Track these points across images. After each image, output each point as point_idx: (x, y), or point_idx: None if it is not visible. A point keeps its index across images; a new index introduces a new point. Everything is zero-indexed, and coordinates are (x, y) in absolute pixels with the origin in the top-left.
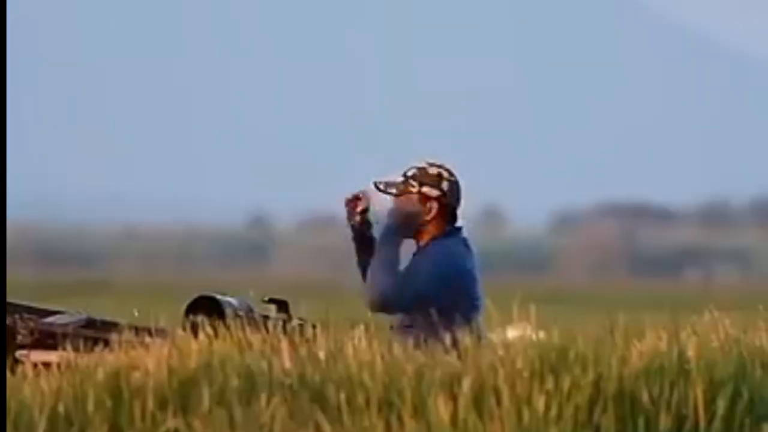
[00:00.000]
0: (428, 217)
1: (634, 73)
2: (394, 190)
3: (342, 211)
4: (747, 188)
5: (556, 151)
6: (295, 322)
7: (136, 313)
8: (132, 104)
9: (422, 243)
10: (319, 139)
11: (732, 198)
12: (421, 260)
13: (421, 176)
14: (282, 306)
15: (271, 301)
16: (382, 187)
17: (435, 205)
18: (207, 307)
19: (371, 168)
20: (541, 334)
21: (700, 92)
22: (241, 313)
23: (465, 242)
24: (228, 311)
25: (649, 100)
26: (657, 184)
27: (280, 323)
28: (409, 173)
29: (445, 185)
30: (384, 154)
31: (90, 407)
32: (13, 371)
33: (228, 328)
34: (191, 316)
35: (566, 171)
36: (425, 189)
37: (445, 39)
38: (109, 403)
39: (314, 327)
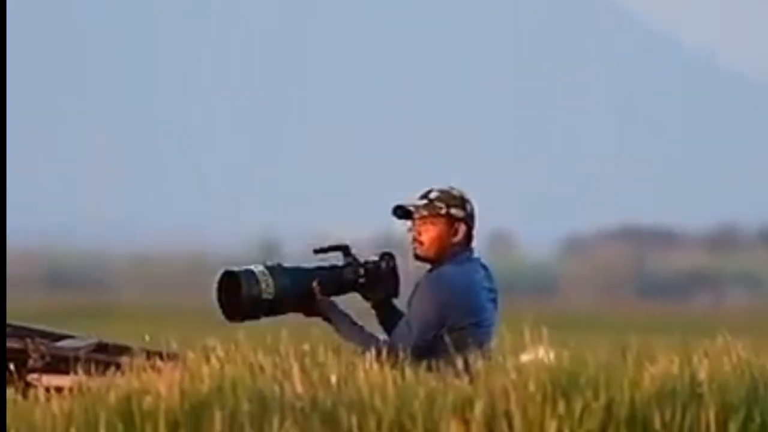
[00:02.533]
0: (455, 240)
1: (641, 97)
2: (424, 212)
3: (350, 236)
4: (756, 211)
5: (563, 174)
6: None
7: (147, 338)
8: (141, 130)
9: (439, 264)
10: (327, 165)
11: (741, 221)
12: (424, 294)
13: (447, 198)
14: (344, 250)
15: (328, 249)
16: (411, 208)
17: (462, 227)
18: (231, 284)
19: (379, 193)
20: (553, 357)
21: (709, 116)
22: (265, 279)
23: (482, 266)
24: (251, 285)
25: (657, 125)
26: (665, 208)
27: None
28: (433, 195)
29: (468, 207)
30: (392, 179)
31: (102, 431)
32: (24, 395)
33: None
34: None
35: (574, 194)
36: (453, 210)
37: (453, 65)
38: (120, 427)
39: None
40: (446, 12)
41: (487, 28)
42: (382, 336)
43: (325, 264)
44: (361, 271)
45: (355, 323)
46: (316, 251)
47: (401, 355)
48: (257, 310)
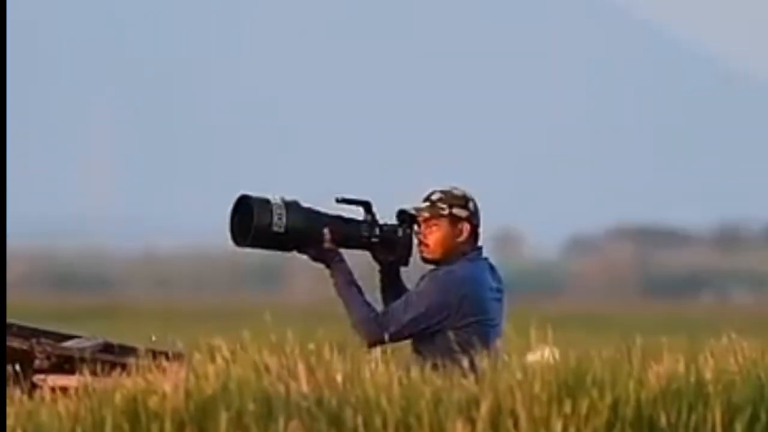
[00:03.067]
0: (461, 239)
1: (648, 98)
2: (426, 214)
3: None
4: (761, 211)
5: (570, 174)
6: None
7: (154, 338)
8: (148, 130)
9: (445, 262)
10: (332, 165)
11: (746, 221)
12: (430, 284)
13: (448, 198)
14: (366, 207)
15: (351, 201)
16: (413, 211)
17: (466, 226)
18: (245, 209)
19: (386, 192)
20: (558, 357)
21: (715, 116)
22: (279, 212)
23: (490, 266)
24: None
25: (664, 125)
26: (671, 208)
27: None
28: (435, 197)
29: (471, 206)
30: (399, 178)
31: (108, 431)
32: (30, 396)
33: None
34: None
35: (581, 194)
36: (455, 210)
37: (460, 64)
38: (126, 427)
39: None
40: (453, 12)
41: (493, 26)
42: (376, 307)
43: (344, 215)
44: (377, 230)
45: (355, 283)
46: (339, 200)
47: (384, 334)
48: (264, 241)
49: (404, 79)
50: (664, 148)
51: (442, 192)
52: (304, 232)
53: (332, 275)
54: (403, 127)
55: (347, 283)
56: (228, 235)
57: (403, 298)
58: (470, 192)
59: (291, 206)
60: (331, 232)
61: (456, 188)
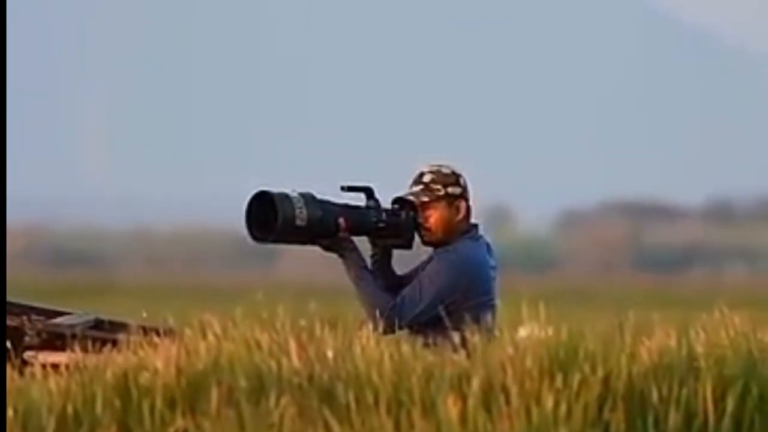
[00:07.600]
0: (459, 217)
1: (638, 71)
2: (424, 198)
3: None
4: (753, 185)
5: (561, 148)
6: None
7: (144, 314)
8: (142, 107)
9: (447, 243)
10: (327, 141)
11: (738, 195)
12: (440, 267)
13: (440, 178)
14: (368, 192)
15: (356, 189)
16: (411, 198)
17: (462, 204)
18: (264, 205)
19: (378, 169)
20: (550, 333)
21: (706, 89)
22: (300, 206)
23: (487, 244)
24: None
25: (654, 98)
26: (663, 182)
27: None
28: (426, 179)
29: (462, 181)
30: (386, 153)
31: (99, 408)
32: (21, 372)
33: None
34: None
35: (572, 168)
36: (450, 189)
37: (448, 37)
38: (117, 403)
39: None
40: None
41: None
42: (390, 296)
43: (351, 203)
44: (383, 215)
45: (370, 271)
46: (344, 189)
47: (401, 320)
48: (288, 235)
49: (397, 48)
50: (655, 121)
51: (432, 172)
52: (322, 224)
53: (345, 264)
54: (397, 99)
55: (361, 272)
56: (245, 230)
57: (415, 282)
58: (457, 167)
59: (308, 198)
60: (346, 221)
61: (443, 166)
